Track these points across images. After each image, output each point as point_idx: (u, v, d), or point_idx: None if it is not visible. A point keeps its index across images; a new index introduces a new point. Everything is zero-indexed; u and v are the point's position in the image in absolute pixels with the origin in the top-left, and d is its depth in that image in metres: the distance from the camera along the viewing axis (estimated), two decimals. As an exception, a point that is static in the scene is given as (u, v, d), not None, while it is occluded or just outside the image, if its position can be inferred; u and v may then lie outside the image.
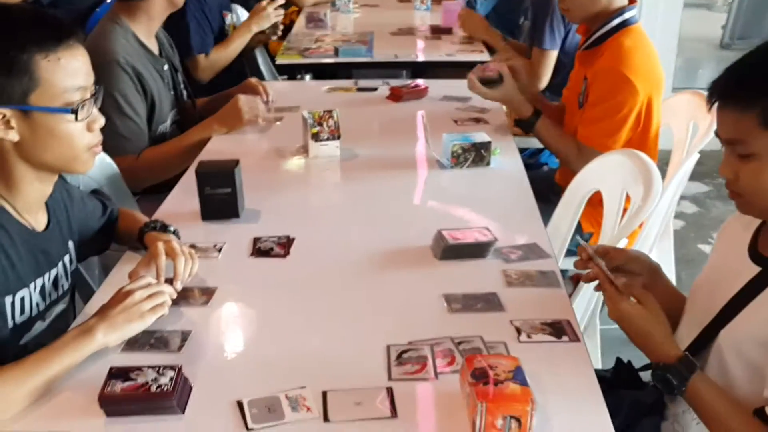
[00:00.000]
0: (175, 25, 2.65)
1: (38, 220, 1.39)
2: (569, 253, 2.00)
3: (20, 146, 1.28)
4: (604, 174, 2.02)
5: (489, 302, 1.42)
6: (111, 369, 1.17)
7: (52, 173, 1.37)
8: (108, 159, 2.08)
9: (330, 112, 2.17)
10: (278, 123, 2.52)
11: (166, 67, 2.43)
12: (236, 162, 1.78)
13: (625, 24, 2.26)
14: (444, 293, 1.44)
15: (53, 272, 1.42)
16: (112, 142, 2.14)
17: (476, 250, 1.58)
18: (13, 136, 1.26)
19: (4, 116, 1.24)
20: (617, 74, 2.19)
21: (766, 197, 1.18)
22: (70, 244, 1.50)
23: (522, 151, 2.33)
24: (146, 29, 2.32)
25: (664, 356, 1.23)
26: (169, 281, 1.41)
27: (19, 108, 1.25)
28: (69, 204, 1.51)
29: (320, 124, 2.16)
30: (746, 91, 1.15)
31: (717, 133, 1.21)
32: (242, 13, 3.74)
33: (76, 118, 1.29)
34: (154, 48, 2.38)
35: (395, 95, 2.74)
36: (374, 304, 1.46)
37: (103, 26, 2.27)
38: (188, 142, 2.30)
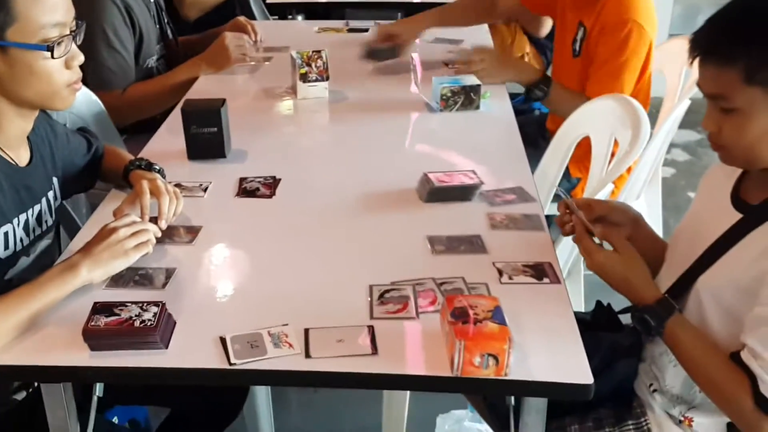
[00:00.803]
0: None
1: (20, 156, 1.38)
2: (556, 198, 2.00)
3: None
4: (594, 119, 2.01)
5: (472, 244, 1.42)
6: (95, 304, 1.18)
7: (32, 109, 1.35)
8: (95, 97, 2.06)
9: (319, 52, 2.14)
10: (267, 63, 2.49)
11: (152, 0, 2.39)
12: (222, 101, 1.77)
13: None
14: (428, 235, 1.44)
15: (36, 208, 1.41)
16: (98, 76, 2.12)
17: (461, 193, 1.58)
18: None
19: (-19, 51, 1.23)
20: (628, 23, 2.13)
21: (748, 150, 1.17)
22: (54, 180, 1.49)
23: (513, 97, 2.30)
24: None
25: (643, 298, 1.24)
26: (154, 220, 1.41)
27: None
28: (53, 140, 1.50)
29: (309, 65, 2.14)
30: (728, 46, 1.12)
31: (699, 86, 1.20)
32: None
33: (53, 56, 1.27)
34: (142, -21, 2.34)
35: (386, 36, 2.70)
36: (358, 244, 1.46)
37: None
38: (175, 80, 2.28)
